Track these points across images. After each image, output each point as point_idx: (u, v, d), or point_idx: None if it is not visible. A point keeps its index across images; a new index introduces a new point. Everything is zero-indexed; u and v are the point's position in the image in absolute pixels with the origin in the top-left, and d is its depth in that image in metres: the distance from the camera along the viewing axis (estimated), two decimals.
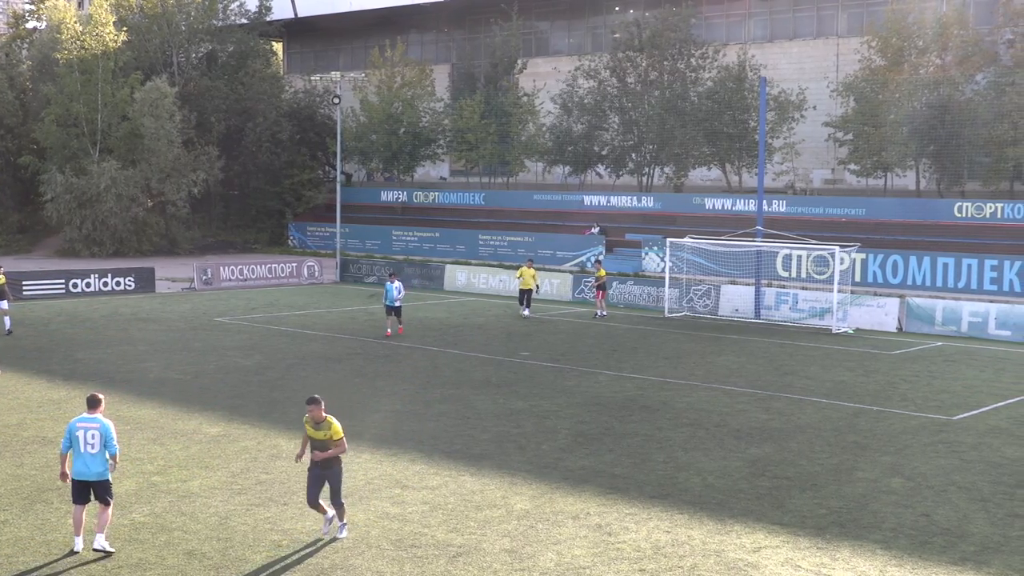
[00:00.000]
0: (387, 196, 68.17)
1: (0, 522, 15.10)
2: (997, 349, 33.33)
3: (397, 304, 33.77)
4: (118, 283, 45.58)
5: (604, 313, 39.49)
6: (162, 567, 13.40)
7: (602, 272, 40.51)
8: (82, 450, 13.86)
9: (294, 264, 52.98)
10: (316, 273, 52.67)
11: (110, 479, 14.07)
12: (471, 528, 15.02)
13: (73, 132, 62.80)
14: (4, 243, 63.11)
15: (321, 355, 30.13)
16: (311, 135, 71.13)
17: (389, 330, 33.92)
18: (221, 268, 49.95)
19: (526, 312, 39.55)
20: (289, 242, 68.38)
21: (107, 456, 13.95)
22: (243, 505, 15.97)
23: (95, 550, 13.79)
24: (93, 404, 14.19)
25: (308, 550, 14.03)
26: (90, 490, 13.97)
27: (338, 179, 59.38)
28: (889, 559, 14.01)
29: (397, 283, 33.96)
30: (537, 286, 41.08)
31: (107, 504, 14.00)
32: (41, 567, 13.38)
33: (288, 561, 13.63)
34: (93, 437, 13.89)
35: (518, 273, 41.08)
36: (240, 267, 50.69)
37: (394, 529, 14.93)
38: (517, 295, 40.95)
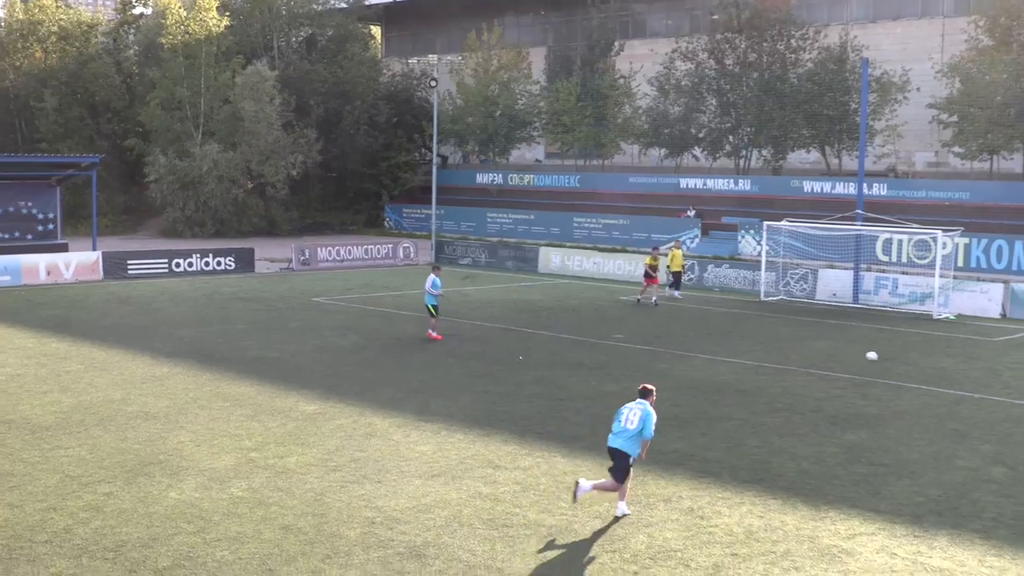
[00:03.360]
0: (482, 178, 68.42)
1: (104, 494, 15.53)
2: None
3: (435, 301, 29.87)
4: (219, 263, 46.50)
5: (653, 300, 37.84)
6: (259, 541, 13.67)
7: (653, 260, 38.77)
8: (622, 425, 15.04)
9: (390, 245, 53.49)
10: (412, 254, 53.09)
11: (631, 458, 14.92)
12: (563, 509, 15.05)
13: (177, 115, 64.14)
14: (110, 224, 64.71)
15: (415, 336, 30.40)
16: (408, 118, 71.66)
17: (432, 332, 29.83)
18: (318, 249, 50.66)
19: (677, 294, 39.84)
20: (385, 224, 69.05)
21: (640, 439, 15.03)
22: (338, 482, 16.20)
23: (616, 516, 14.84)
24: (644, 394, 15.48)
25: (401, 527, 14.19)
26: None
27: (434, 161, 59.76)
28: (988, 549, 13.72)
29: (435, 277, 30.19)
30: (683, 266, 41.08)
31: (622, 478, 14.93)
32: (143, 538, 13.74)
33: (381, 538, 13.80)
34: (634, 414, 15.06)
35: (669, 256, 40.83)
36: (337, 248, 51.36)
37: (486, 509, 15.02)
38: (668, 278, 40.64)
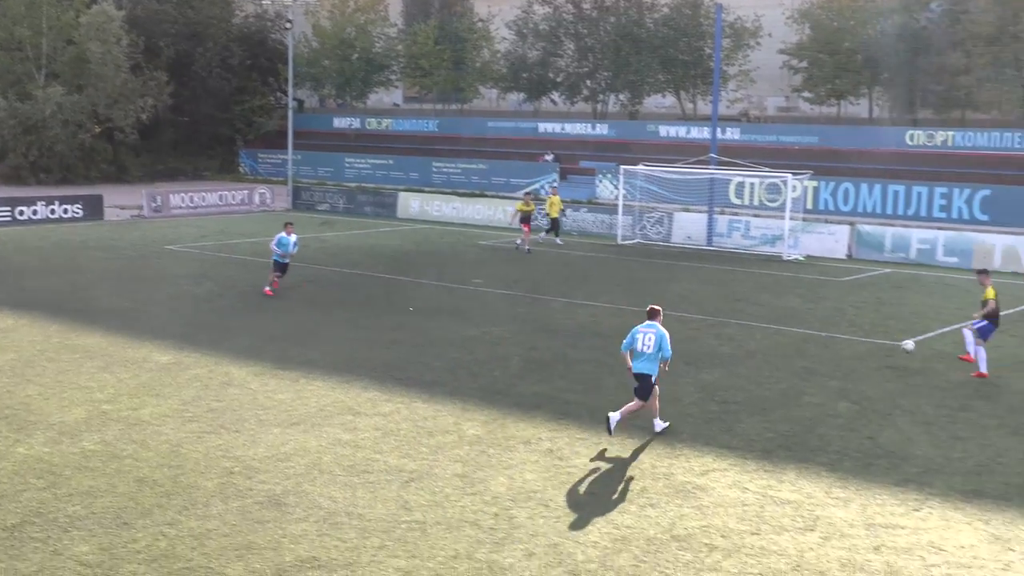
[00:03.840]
0: (340, 123, 67.49)
1: None
2: (945, 276, 33.78)
3: (287, 261, 27.95)
4: (66, 211, 44.93)
5: (524, 247, 37.43)
6: (113, 495, 13.37)
7: (530, 206, 38.47)
8: (639, 349, 16.07)
9: (245, 191, 52.46)
10: (268, 200, 52.20)
11: (654, 377, 16.10)
12: (423, 454, 15.10)
13: (17, 56, 61.40)
14: None
15: None
16: (262, 61, 70.07)
17: (269, 289, 27.74)
18: (171, 196, 49.36)
19: (558, 240, 39.77)
20: (240, 169, 67.64)
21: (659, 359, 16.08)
22: (194, 433, 15.94)
23: (656, 432, 16.19)
24: (652, 315, 16.62)
25: (260, 477, 14.05)
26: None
27: (290, 105, 58.65)
28: (834, 481, 14.26)
29: (295, 236, 28.22)
30: (562, 211, 40.98)
31: (646, 396, 16.13)
32: None
33: (240, 487, 13.64)
34: (648, 338, 16.10)
35: (548, 202, 40.65)
36: (190, 194, 50.14)
37: (347, 455, 14.97)
38: (548, 225, 40.46)
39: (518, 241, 38.00)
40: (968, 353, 20.58)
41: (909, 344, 20.91)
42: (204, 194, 50.65)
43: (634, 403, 16.12)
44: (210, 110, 67.74)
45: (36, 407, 17.18)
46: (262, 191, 52.75)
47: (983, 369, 20.13)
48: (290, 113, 57.40)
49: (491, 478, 14.14)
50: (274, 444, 15.41)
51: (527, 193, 40.76)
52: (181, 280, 30.04)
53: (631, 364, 16.17)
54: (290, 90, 58.44)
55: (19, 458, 14.67)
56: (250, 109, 68.25)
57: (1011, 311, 27.35)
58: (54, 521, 12.47)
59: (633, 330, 16.41)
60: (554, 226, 40.19)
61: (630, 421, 16.21)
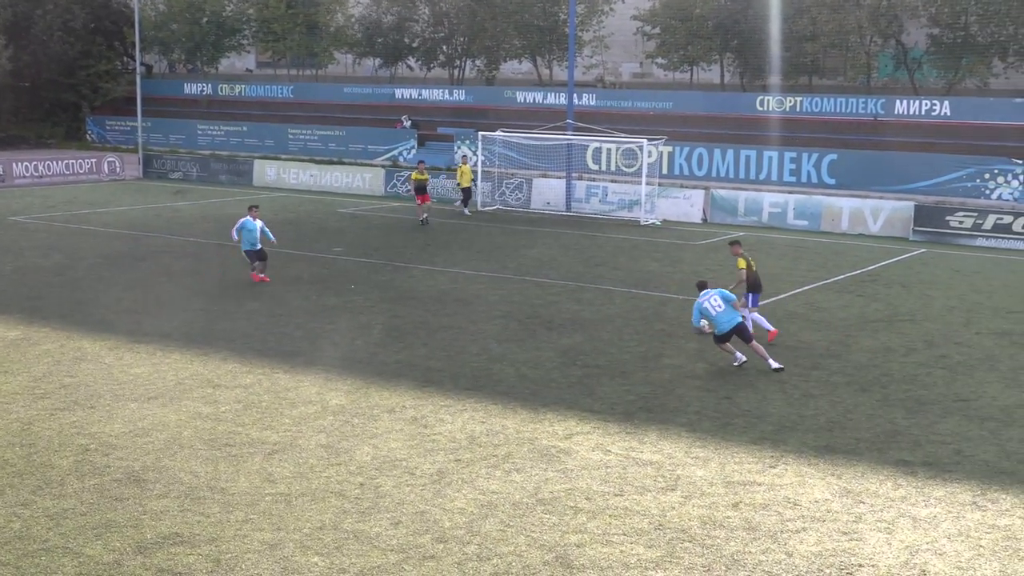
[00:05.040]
0: (191, 89, 65.76)
1: None
2: (795, 238, 34.78)
3: (259, 247, 25.23)
4: None
5: (422, 217, 36.15)
6: None
7: (424, 175, 37.06)
8: (714, 314, 17.85)
9: (93, 160, 50.81)
10: (117, 169, 50.67)
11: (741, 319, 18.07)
12: (286, 425, 14.94)
13: None
14: None
15: (125, 254, 29.17)
16: (107, 24, 67.69)
17: (258, 273, 25.37)
18: (14, 164, 47.49)
19: (467, 211, 39.16)
20: (87, 137, 65.42)
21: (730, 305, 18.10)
22: (47, 410, 15.45)
23: (773, 369, 17.94)
24: (703, 286, 18.56)
25: (118, 453, 13.71)
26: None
27: (138, 70, 56.90)
28: (694, 441, 14.60)
29: (260, 222, 25.45)
30: (473, 181, 40.01)
31: (750, 337, 18.19)
32: None
33: (97, 465, 13.29)
34: (714, 300, 17.90)
35: (459, 172, 39.79)
36: (35, 163, 48.33)
37: (207, 429, 14.71)
38: (460, 194, 39.68)
39: (421, 217, 36.05)
40: (771, 330, 20.27)
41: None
42: (49, 163, 48.88)
43: (752, 347, 18.15)
44: (53, 75, 65.25)
45: None
46: (111, 159, 51.17)
47: (769, 327, 20.18)
48: (138, 79, 55.69)
49: (356, 448, 14.07)
50: (131, 419, 15.05)
51: (420, 162, 39.44)
52: (27, 252, 29.00)
53: (715, 329, 17.95)
54: (137, 55, 56.69)
55: None
56: (96, 74, 65.95)
57: (857, 272, 28.39)
58: None
59: (697, 305, 18.11)
60: (466, 196, 39.47)
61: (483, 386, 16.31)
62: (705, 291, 18.24)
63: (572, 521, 11.85)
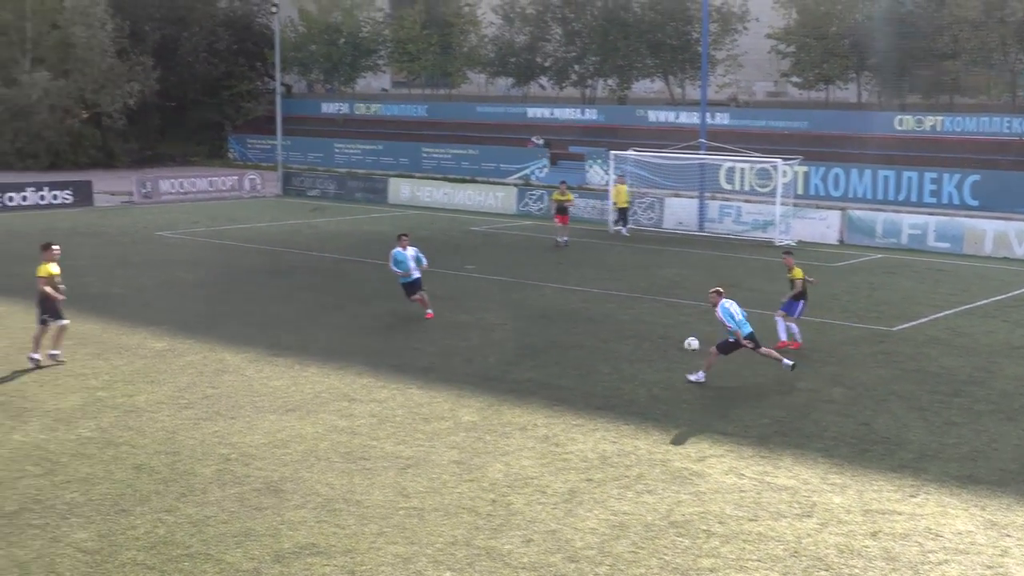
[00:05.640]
0: (328, 108, 67.31)
1: None
2: (936, 261, 33.86)
3: (417, 276, 23.49)
4: (55, 197, 44.73)
5: (561, 240, 35.23)
6: (110, 481, 13.37)
7: (566, 196, 35.82)
8: (740, 318, 18.52)
9: (235, 177, 52.28)
10: (258, 186, 52.04)
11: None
12: (419, 440, 15.12)
13: (2, 41, 61.02)
14: None
15: (265, 269, 29.93)
16: (249, 45, 69.75)
17: (424, 305, 23.53)
18: (161, 181, 49.20)
19: (624, 231, 38.24)
20: (229, 155, 67.41)
21: None
22: (190, 419, 15.93)
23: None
24: (719, 294, 18.78)
25: (257, 463, 14.05)
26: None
27: (278, 90, 58.41)
28: (830, 467, 14.32)
29: (413, 249, 23.73)
30: (630, 201, 39.04)
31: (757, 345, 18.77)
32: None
33: (237, 474, 13.65)
34: (735, 307, 18.71)
35: (614, 191, 38.91)
36: (180, 180, 49.98)
37: (343, 442, 14.98)
38: (613, 214, 38.80)
39: (559, 239, 35.22)
40: (783, 340, 20.85)
41: (693, 342, 20.22)
42: (194, 180, 50.49)
43: (765, 350, 18.74)
44: (197, 95, 67.47)
45: (31, 394, 17.16)
46: (252, 176, 52.58)
47: (783, 338, 20.95)
48: (278, 98, 57.20)
49: (488, 464, 14.17)
50: (271, 431, 15.42)
51: (562, 182, 37.68)
52: (173, 266, 29.97)
53: (740, 334, 18.28)
54: (277, 75, 58.24)
55: (15, 445, 14.65)
56: (238, 94, 67.99)
57: (1002, 296, 27.51)
58: (52, 508, 12.47)
59: (726, 311, 18.39)
60: (622, 216, 38.57)
61: (633, 411, 16.26)
62: (727, 300, 18.60)
63: (705, 545, 11.73)
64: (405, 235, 24.03)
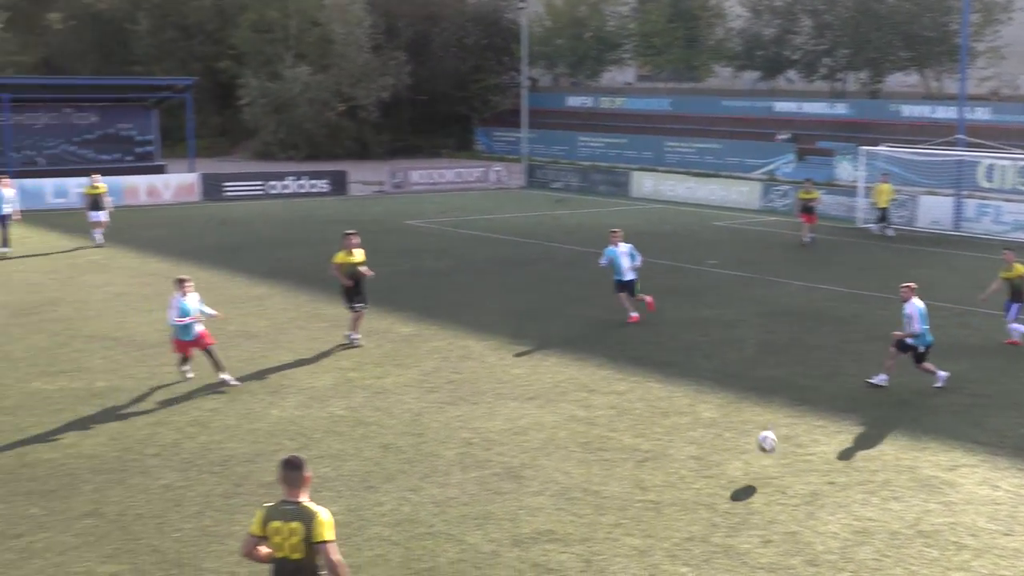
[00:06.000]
0: (573, 102, 67.83)
1: (209, 410, 15.95)
2: None
3: (629, 277, 22.38)
4: (313, 185, 46.95)
5: (806, 238, 34.28)
6: (359, 459, 13.94)
7: (812, 194, 34.70)
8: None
9: (481, 169, 53.48)
10: (503, 178, 53.04)
11: None
12: (658, 434, 15.09)
13: (267, 38, 64.34)
14: (205, 146, 65.41)
15: (509, 259, 30.50)
16: (497, 40, 71.05)
17: (634, 313, 22.36)
18: (411, 172, 50.88)
19: (889, 232, 36.64)
20: (476, 147, 68.91)
21: None
22: (435, 403, 16.42)
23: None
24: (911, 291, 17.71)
25: (497, 449, 14.36)
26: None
27: (524, 84, 59.28)
28: None
29: (625, 245, 22.59)
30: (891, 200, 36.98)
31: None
32: (247, 453, 14.11)
33: (478, 458, 13.99)
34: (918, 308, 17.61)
35: (875, 191, 37.20)
36: (429, 171, 51.55)
37: (582, 432, 15.12)
38: (877, 213, 37.04)
39: (804, 238, 34.30)
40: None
41: (769, 440, 13.76)
42: (442, 171, 51.97)
43: (927, 364, 17.71)
44: (447, 89, 69.22)
45: (288, 372, 18.07)
46: (497, 169, 53.65)
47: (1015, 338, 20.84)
48: (524, 92, 58.03)
49: (727, 462, 14.01)
50: (511, 417, 15.72)
51: (808, 180, 36.70)
52: (422, 254, 30.93)
53: (918, 344, 17.47)
54: (524, 69, 59.09)
55: (274, 420, 15.47)
56: (485, 88, 69.39)
57: None
58: None
59: (922, 313, 17.41)
60: (884, 216, 36.89)
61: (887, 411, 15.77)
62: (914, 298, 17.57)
63: (955, 557, 11.25)
64: (616, 231, 23.09)
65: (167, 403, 16.33)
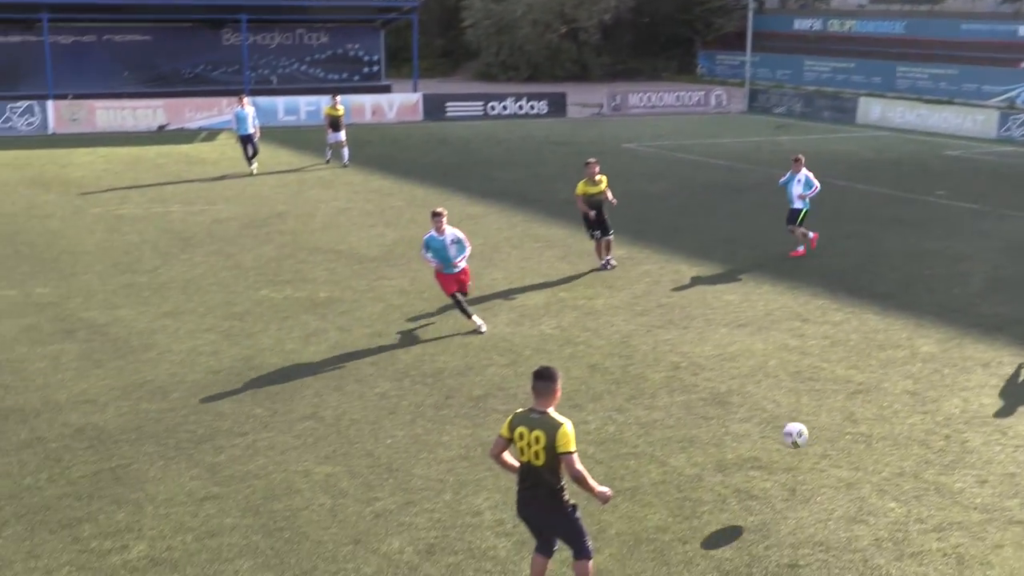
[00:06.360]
0: (800, 24, 65.69)
1: (424, 324, 16.40)
2: None
3: (797, 207, 21.30)
4: (532, 107, 47.22)
5: None
6: (566, 377, 13.93)
7: None
8: None
9: (702, 93, 52.59)
10: (723, 103, 52.04)
11: None
12: (872, 367, 14.69)
13: None
14: (429, 67, 66.65)
15: (725, 185, 30.01)
16: None
17: (801, 247, 21.37)
18: (630, 95, 50.48)
19: None
20: (697, 71, 67.77)
21: None
22: (644, 326, 16.42)
23: None
24: None
25: (705, 374, 14.28)
26: None
27: (750, 6, 57.73)
28: None
29: (805, 171, 21.23)
30: None
31: None
32: (459, 366, 14.46)
33: (685, 383, 13.94)
34: None
35: None
36: (648, 94, 51.02)
37: (793, 361, 14.86)
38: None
39: None
40: None
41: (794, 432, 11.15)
42: (662, 94, 51.36)
43: None
44: (670, 11, 68.18)
45: (500, 290, 18.39)
46: (718, 93, 52.65)
47: None
48: (750, 14, 56.52)
49: (943, 398, 13.53)
50: (720, 343, 15.58)
51: None
52: (637, 178, 30.77)
53: None
54: None
55: (485, 335, 15.80)
56: (709, 10, 67.96)
57: None
58: (513, 396, 13.37)
59: None
60: None
61: None
62: None
63: None
64: (799, 157, 21.62)
65: (384, 315, 16.89)
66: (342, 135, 32.36)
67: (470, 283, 16.30)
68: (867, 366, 14.69)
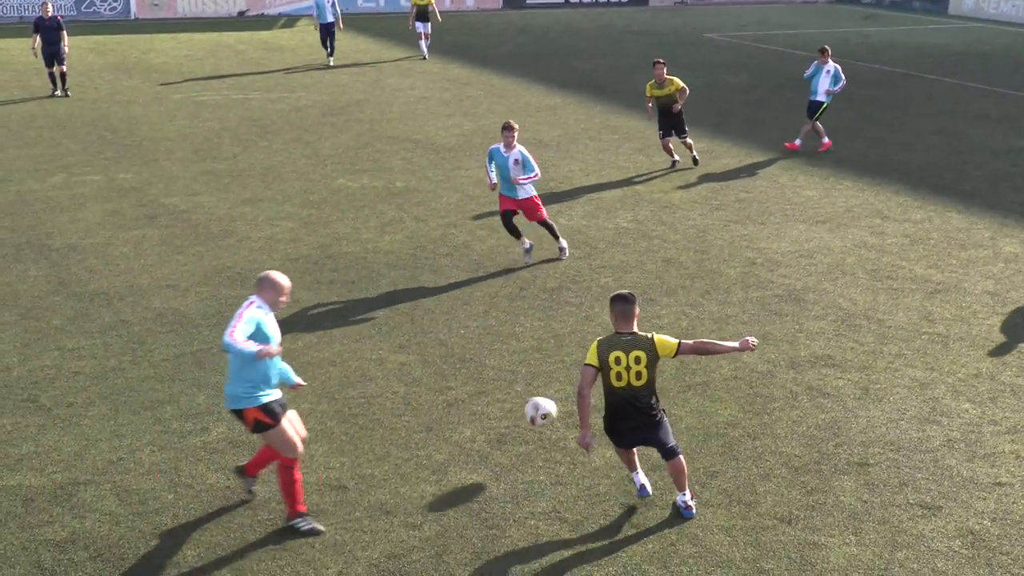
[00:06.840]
0: None
1: (498, 216, 16.42)
2: None
3: (820, 99, 20.47)
4: None
5: None
6: (640, 271, 14.10)
7: None
8: None
9: None
10: None
11: None
12: (952, 266, 14.45)
13: None
14: None
15: None
16: None
17: (826, 139, 20.59)
18: None
19: None
20: None
21: None
22: (720, 220, 16.29)
23: None
24: None
25: (781, 271, 14.16)
26: None
27: None
28: None
29: (831, 65, 20.38)
30: None
31: None
32: (532, 257, 14.49)
33: (761, 278, 13.85)
34: None
35: None
36: None
37: (871, 259, 14.67)
38: None
39: None
40: None
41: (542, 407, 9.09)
42: None
43: None
44: None
45: (577, 182, 18.32)
46: None
47: None
48: None
49: None
50: (798, 240, 15.42)
51: None
52: (717, 69, 30.23)
53: None
54: None
55: (560, 228, 15.74)
56: None
57: None
58: (587, 289, 13.41)
59: None
60: None
61: None
62: None
63: None
64: (824, 49, 20.64)
65: (460, 206, 16.94)
66: (429, 27, 31.46)
67: (543, 213, 14.31)
68: (947, 265, 14.46)
